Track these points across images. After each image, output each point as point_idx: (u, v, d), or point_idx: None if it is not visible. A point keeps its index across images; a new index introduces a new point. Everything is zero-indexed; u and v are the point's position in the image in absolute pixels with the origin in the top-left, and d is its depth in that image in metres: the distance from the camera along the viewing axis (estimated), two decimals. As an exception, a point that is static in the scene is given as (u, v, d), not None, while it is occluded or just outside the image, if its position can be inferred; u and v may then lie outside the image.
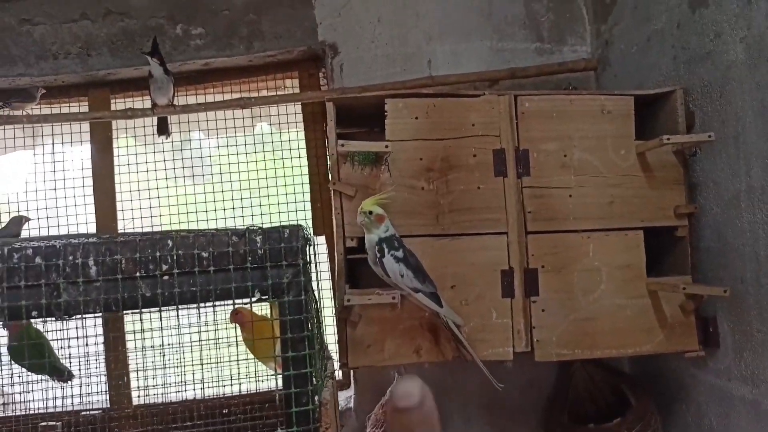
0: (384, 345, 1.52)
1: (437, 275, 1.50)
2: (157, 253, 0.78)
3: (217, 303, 0.78)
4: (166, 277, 0.78)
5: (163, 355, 1.76)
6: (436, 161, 1.55)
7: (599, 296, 1.56)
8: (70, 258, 0.76)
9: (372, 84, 2.06)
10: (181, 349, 1.75)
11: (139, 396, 2.08)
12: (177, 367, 1.82)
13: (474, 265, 1.54)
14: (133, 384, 2.10)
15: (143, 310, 0.77)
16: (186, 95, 2.24)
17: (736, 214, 1.46)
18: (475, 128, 1.57)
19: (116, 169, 2.19)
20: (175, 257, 0.78)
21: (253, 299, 0.79)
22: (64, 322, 0.83)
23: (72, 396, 1.84)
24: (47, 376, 1.76)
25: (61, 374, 1.77)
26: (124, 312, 0.78)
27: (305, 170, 2.26)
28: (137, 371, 1.96)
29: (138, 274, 0.77)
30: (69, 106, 2.20)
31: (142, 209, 2.18)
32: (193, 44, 2.10)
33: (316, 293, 1.23)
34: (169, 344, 1.76)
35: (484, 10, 2.14)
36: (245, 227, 0.81)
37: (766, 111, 1.35)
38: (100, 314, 0.75)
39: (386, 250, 1.39)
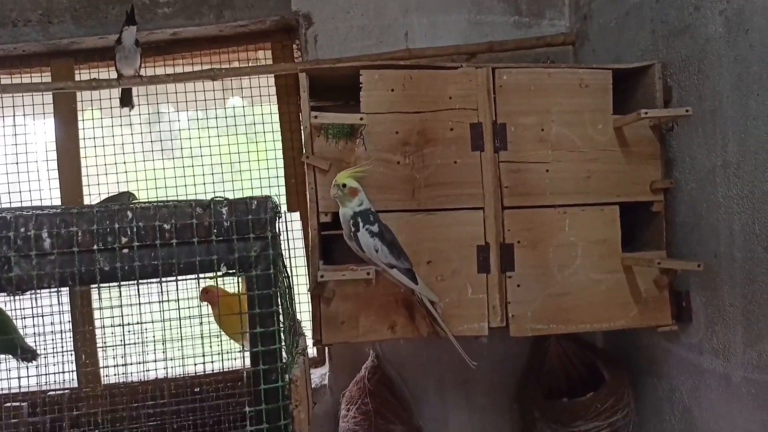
0: (358, 321, 1.50)
1: (413, 251, 1.48)
2: (116, 225, 0.74)
3: (180, 277, 0.75)
4: (125, 251, 0.74)
5: (135, 333, 1.72)
6: (413, 135, 1.52)
7: (574, 271, 1.56)
8: (22, 230, 0.72)
9: (347, 56, 2.01)
10: (153, 326, 1.70)
11: (107, 375, 2.04)
12: (147, 344, 1.78)
13: (450, 240, 1.52)
14: (102, 363, 2.05)
15: (101, 285, 0.73)
16: (154, 66, 2.16)
17: (711, 189, 1.46)
18: (452, 101, 1.53)
19: (82, 143, 2.11)
20: (135, 229, 0.74)
21: (219, 273, 0.76)
22: (18, 297, 0.78)
23: (38, 375, 1.79)
24: (11, 356, 1.70)
25: (26, 353, 1.71)
26: (81, 287, 0.73)
27: (279, 145, 2.21)
28: (104, 349, 1.92)
29: (96, 247, 0.73)
30: (30, 77, 2.10)
31: (109, 185, 2.11)
32: (161, 12, 2.01)
33: (288, 269, 1.20)
34: (138, 322, 1.71)
35: (462, -18, 2.09)
36: (210, 198, 0.77)
37: (743, 85, 1.34)
38: (54, 289, 0.70)
39: (361, 225, 1.36)
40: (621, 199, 1.58)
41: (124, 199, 1.85)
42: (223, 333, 1.71)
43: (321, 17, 2.06)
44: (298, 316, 1.29)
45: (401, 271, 1.39)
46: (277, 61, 2.13)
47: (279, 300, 0.78)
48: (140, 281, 0.75)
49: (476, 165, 1.53)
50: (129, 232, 0.74)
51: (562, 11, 2.13)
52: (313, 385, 1.99)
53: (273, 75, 2.15)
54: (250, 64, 2.17)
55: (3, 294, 0.73)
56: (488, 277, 1.53)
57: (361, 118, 1.42)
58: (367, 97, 1.51)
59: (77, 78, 2.11)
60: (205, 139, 2.17)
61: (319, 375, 2.05)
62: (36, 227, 0.72)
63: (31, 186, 2.07)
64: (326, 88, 1.68)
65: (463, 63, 1.56)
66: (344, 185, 1.35)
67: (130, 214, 0.74)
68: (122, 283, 0.74)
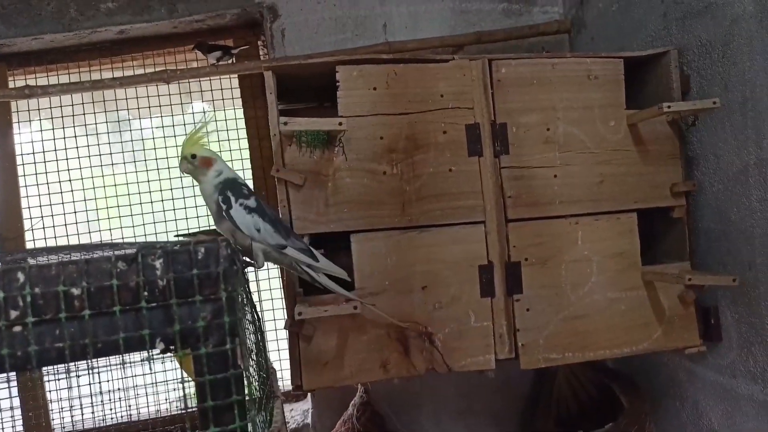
0: (344, 361, 1.28)
1: (404, 275, 1.28)
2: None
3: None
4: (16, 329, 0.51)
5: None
6: (400, 140, 1.31)
7: (590, 290, 1.36)
8: None
9: (320, 52, 1.79)
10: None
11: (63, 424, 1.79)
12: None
13: (447, 261, 1.31)
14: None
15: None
16: (100, 69, 1.91)
17: (742, 191, 1.28)
18: (444, 100, 1.32)
19: (19, 159, 1.86)
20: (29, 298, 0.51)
21: (154, 352, 0.54)
22: None
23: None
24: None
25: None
26: None
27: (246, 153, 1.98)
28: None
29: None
30: (-46, 84, 1.84)
31: (53, 206, 1.86)
32: (104, 8, 1.76)
33: (257, 306, 0.98)
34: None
35: (443, -34, 1.89)
36: (138, 247, 0.55)
37: (782, 71, 1.15)
38: None
39: (233, 199, 1.08)
40: (638, 205, 1.39)
41: None
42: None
43: (288, 9, 1.84)
44: (271, 367, 1.06)
45: (297, 250, 1.12)
46: (240, 59, 1.89)
47: (245, 381, 0.56)
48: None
49: (474, 172, 1.33)
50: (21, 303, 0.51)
51: (554, -4, 1.93)
52: (294, 424, 1.76)
53: (237, 76, 1.93)
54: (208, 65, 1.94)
55: None
56: (493, 301, 1.32)
57: (340, 123, 1.20)
58: (346, 97, 1.29)
59: (11, 85, 1.85)
60: (171, 149, 1.93)
61: (300, 411, 1.82)
62: None
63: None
64: (298, 89, 1.46)
65: (454, 56, 1.35)
66: (194, 156, 1.08)
67: (21, 276, 0.51)
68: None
